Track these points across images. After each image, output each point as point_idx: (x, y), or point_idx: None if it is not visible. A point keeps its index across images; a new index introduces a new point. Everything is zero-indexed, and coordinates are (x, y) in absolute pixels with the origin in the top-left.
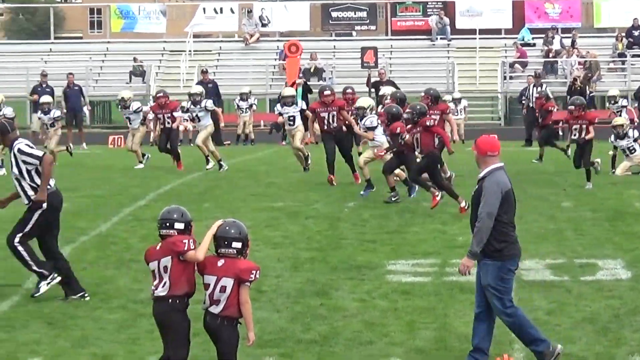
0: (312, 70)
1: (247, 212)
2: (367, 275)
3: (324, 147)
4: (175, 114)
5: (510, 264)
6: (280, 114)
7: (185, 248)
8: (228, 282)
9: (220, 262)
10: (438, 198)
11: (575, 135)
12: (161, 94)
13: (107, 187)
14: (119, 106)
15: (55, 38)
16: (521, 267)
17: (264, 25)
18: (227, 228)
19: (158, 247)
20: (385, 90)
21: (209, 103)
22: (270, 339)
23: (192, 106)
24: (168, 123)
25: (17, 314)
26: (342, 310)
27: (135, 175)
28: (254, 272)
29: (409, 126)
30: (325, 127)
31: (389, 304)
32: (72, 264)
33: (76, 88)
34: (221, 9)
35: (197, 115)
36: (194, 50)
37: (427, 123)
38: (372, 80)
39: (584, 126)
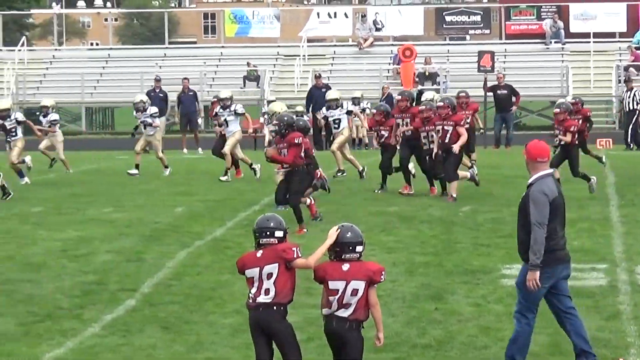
0: (426, 74)
1: (362, 217)
2: (481, 280)
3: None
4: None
5: (545, 270)
6: (325, 117)
7: (295, 256)
8: (360, 285)
9: (346, 267)
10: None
11: (557, 140)
12: (216, 99)
13: (222, 192)
14: (135, 110)
15: (170, 43)
16: (636, 271)
17: (377, 29)
18: (349, 234)
19: (259, 255)
20: (427, 94)
21: (238, 107)
22: (385, 343)
23: (221, 110)
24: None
25: (133, 319)
26: (457, 315)
27: (249, 179)
28: (383, 273)
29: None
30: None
31: (504, 308)
32: (187, 268)
33: (191, 93)
34: (335, 14)
35: (225, 120)
36: (308, 55)
37: (295, 141)
38: (489, 84)
39: (568, 132)
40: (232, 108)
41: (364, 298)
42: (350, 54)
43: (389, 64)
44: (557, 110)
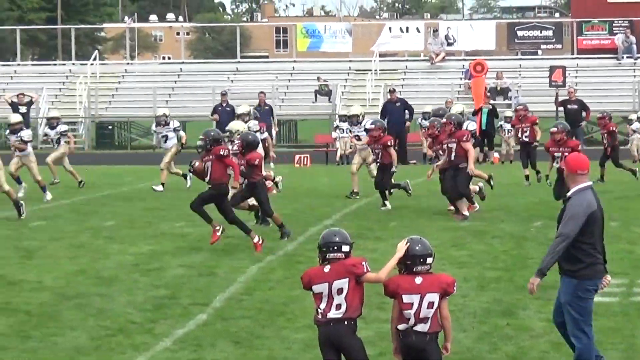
0: (497, 89)
1: (433, 232)
2: (553, 295)
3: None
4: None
5: (588, 284)
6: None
7: (365, 270)
8: (435, 298)
9: (419, 280)
10: (218, 233)
11: (557, 162)
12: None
13: (294, 206)
14: (156, 124)
15: (242, 57)
16: None
17: (449, 44)
18: (419, 247)
19: (327, 270)
20: (456, 107)
21: (251, 123)
22: (456, 358)
23: None
24: None
25: (205, 333)
26: (528, 330)
27: (321, 194)
28: (456, 284)
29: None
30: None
31: None
32: (259, 282)
33: (267, 108)
34: (407, 28)
35: None
36: (379, 70)
37: (221, 152)
38: (560, 99)
39: (566, 154)
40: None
41: (437, 311)
42: (422, 68)
43: (461, 78)
44: (555, 129)
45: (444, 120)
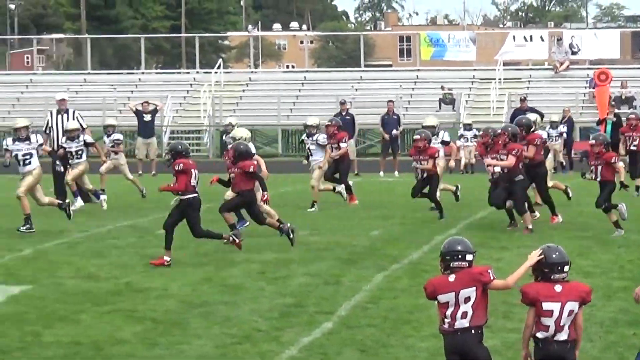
0: (622, 98)
1: (559, 241)
2: None
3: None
4: (342, 144)
5: None
6: None
7: (492, 278)
8: (575, 306)
9: (558, 288)
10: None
11: (592, 174)
12: (330, 123)
13: (419, 215)
14: (223, 133)
15: (365, 66)
16: None
17: (573, 53)
18: (556, 254)
19: (452, 279)
20: (531, 116)
21: (320, 137)
22: None
23: (305, 138)
24: (333, 152)
25: (331, 342)
26: None
27: (446, 203)
28: (592, 294)
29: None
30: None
31: None
32: (384, 291)
33: (394, 117)
34: (531, 37)
35: (308, 149)
36: (503, 78)
37: (175, 167)
38: None
39: (601, 166)
40: (315, 137)
41: (573, 319)
42: (546, 77)
43: (585, 87)
44: (593, 142)
45: (499, 130)
